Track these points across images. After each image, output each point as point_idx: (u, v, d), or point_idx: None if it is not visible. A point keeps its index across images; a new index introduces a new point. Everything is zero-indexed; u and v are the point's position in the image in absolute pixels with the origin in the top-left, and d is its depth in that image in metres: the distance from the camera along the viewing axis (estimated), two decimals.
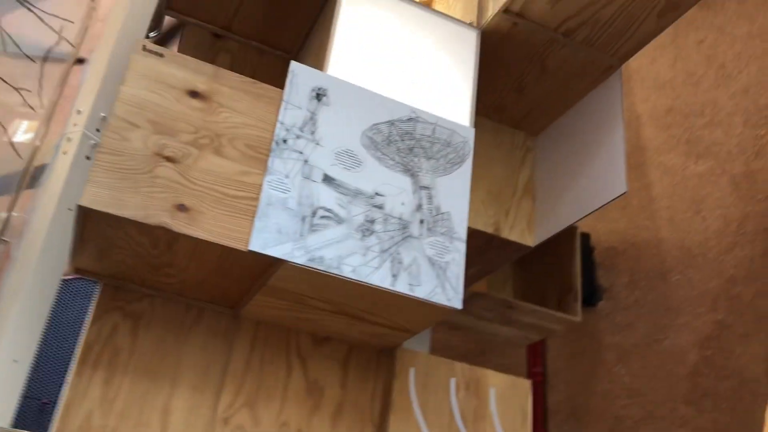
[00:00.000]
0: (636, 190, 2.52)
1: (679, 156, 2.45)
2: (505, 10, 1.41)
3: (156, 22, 1.50)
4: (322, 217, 1.13)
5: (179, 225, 1.03)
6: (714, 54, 2.49)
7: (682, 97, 2.54)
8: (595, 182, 1.47)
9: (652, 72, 2.66)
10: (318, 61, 1.32)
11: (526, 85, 1.60)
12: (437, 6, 1.69)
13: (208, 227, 1.05)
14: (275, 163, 1.13)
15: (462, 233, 1.21)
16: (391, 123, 1.27)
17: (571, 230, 1.86)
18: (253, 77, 1.18)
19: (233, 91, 1.16)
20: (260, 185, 1.10)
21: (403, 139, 1.27)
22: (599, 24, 1.41)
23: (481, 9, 1.50)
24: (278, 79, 1.25)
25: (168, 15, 1.55)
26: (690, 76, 2.54)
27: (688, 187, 2.41)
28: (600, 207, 1.43)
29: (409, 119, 1.28)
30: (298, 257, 1.08)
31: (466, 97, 1.38)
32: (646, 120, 2.61)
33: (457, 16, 1.51)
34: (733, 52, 2.44)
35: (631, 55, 1.49)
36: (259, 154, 1.13)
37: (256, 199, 1.09)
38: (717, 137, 2.39)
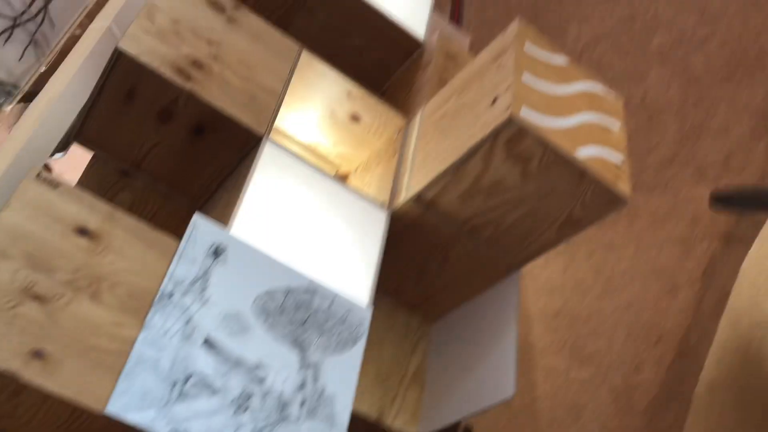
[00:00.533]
0: (519, 388, 2.53)
1: (564, 360, 2.50)
2: (417, 198, 1.45)
3: (64, 145, 1.44)
4: (195, 384, 1.03)
5: (30, 374, 0.91)
6: (602, 267, 2.65)
7: (570, 303, 2.64)
8: (484, 381, 1.45)
9: (545, 274, 2.78)
10: (223, 217, 1.28)
11: (428, 272, 1.61)
12: (352, 181, 1.72)
13: (64, 381, 0.93)
14: (155, 318, 1.05)
15: (344, 421, 1.14)
16: (287, 291, 1.22)
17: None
18: (152, 220, 1.13)
19: (126, 235, 1.09)
20: (134, 340, 1.01)
21: (298, 309, 1.22)
22: (503, 226, 1.46)
23: (394, 191, 1.53)
24: (178, 227, 1.20)
25: (77, 143, 1.50)
26: (579, 284, 2.67)
27: (569, 391, 2.43)
28: (486, 408, 1.40)
29: (307, 290, 1.24)
30: (160, 427, 0.96)
31: (368, 276, 1.36)
32: (535, 320, 2.69)
33: (371, 195, 1.54)
34: (620, 268, 2.61)
35: (531, 260, 1.54)
36: (140, 305, 1.04)
37: (126, 355, 0.99)
38: (600, 346, 2.47)
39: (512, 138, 1.30)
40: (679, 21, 2.95)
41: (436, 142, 1.48)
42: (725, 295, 2.42)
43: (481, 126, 1.33)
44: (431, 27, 1.91)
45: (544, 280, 2.76)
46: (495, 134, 1.30)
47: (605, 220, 2.72)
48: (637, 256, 2.59)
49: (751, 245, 2.45)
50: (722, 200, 2.26)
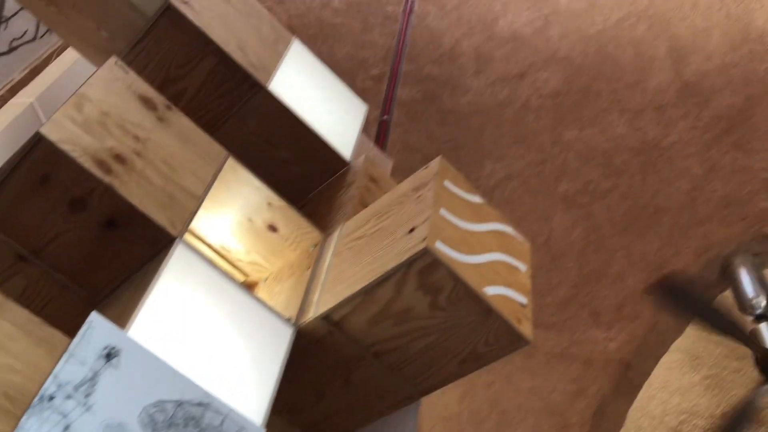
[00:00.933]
0: None
1: None
2: (326, 317, 1.44)
3: None
4: None
5: None
6: (499, 399, 2.67)
7: None
8: None
9: (442, 401, 2.77)
10: (122, 316, 1.23)
11: (328, 393, 1.57)
12: (261, 291, 1.70)
13: None
14: (30, 421, 0.96)
15: None
16: (179, 403, 1.16)
17: None
18: (43, 310, 1.06)
19: (13, 328, 1.02)
20: None
21: (187, 424, 1.16)
22: (408, 355, 1.46)
23: (303, 307, 1.51)
24: (72, 320, 1.13)
25: None
26: (474, 414, 2.67)
27: None
28: None
29: (200, 404, 1.18)
30: None
31: (265, 394, 1.32)
32: None
33: (278, 308, 1.51)
34: (515, 402, 2.63)
35: (431, 391, 1.54)
36: (15, 407, 0.96)
37: None
38: None
39: (425, 269, 1.33)
40: (585, 171, 3.18)
41: (351, 263, 1.49)
42: None
43: (396, 253, 1.36)
44: (358, 148, 1.98)
45: (441, 407, 2.75)
46: (409, 263, 1.33)
47: None
48: (532, 391, 2.63)
49: (639, 390, 2.55)
50: (669, 290, 2.35)
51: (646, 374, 2.55)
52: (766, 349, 2.26)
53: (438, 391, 2.81)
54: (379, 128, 3.50)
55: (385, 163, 2.21)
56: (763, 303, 2.37)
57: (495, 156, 3.40)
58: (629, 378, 2.55)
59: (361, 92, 3.73)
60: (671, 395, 5.28)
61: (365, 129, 2.79)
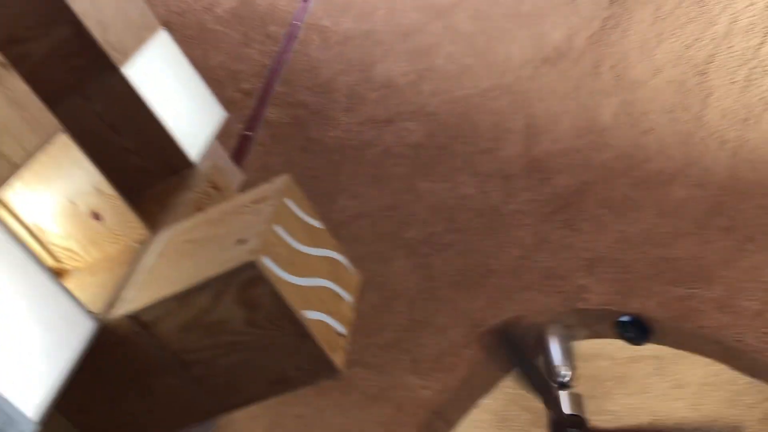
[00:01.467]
0: None
1: None
2: (134, 316, 1.36)
3: None
4: None
5: None
6: (310, 431, 2.64)
7: None
8: None
9: (249, 428, 2.70)
10: None
11: (124, 399, 1.48)
12: (70, 280, 1.58)
13: None
14: None
15: None
16: None
17: None
18: None
19: None
20: None
21: None
22: (215, 369, 1.41)
23: (112, 303, 1.42)
24: None
25: None
26: None
27: None
28: None
29: None
30: None
31: (49, 387, 1.21)
32: None
33: (85, 300, 1.41)
34: None
35: (236, 410, 1.49)
36: None
37: None
38: None
39: (248, 282, 1.30)
40: (431, 223, 3.29)
41: (173, 266, 1.43)
42: None
43: (221, 262, 1.32)
44: (209, 154, 1.92)
45: None
46: (232, 274, 1.29)
47: (324, 385, 2.77)
48: (342, 428, 2.63)
49: None
50: (505, 336, 2.42)
51: (453, 426, 2.63)
52: (563, 414, 2.42)
53: (246, 418, 2.75)
54: (240, 143, 3.43)
55: (235, 176, 2.16)
56: (567, 372, 2.53)
57: (350, 193, 3.44)
58: (435, 428, 2.62)
59: (228, 103, 3.65)
60: None
61: (226, 141, 2.73)
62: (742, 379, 5.03)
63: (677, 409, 5.23)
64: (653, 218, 2.67)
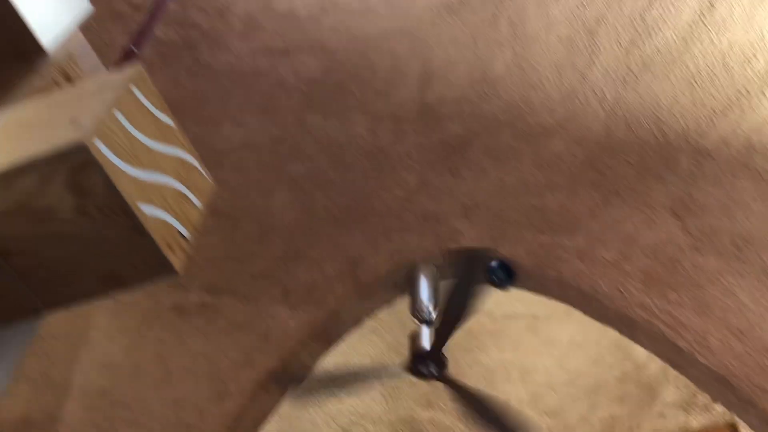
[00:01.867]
0: None
1: None
2: None
3: None
4: None
5: None
6: (167, 357, 2.56)
7: (120, 386, 2.48)
8: None
9: (105, 348, 2.59)
10: None
11: None
12: None
13: None
14: None
15: None
16: None
17: None
18: None
19: None
20: None
21: None
22: (40, 260, 1.31)
23: None
24: None
25: None
26: (136, 367, 2.53)
27: None
28: None
29: None
30: None
31: None
32: (75, 394, 2.45)
33: None
34: (182, 362, 2.55)
35: (62, 308, 1.40)
36: None
37: None
38: None
39: (79, 166, 1.21)
40: (317, 159, 3.24)
41: (1, 148, 1.31)
42: (265, 415, 2.51)
43: (50, 142, 1.22)
44: (68, 44, 1.78)
45: (103, 353, 2.57)
46: (61, 156, 1.20)
47: (188, 311, 2.69)
48: (203, 355, 2.57)
49: (309, 373, 2.62)
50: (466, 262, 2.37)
51: (317, 358, 2.63)
52: (422, 348, 2.46)
53: (104, 338, 2.64)
54: (123, 56, 3.24)
55: (98, 71, 2.01)
56: (432, 309, 2.58)
57: (236, 121, 3.33)
58: (300, 358, 2.61)
59: (116, 15, 3.44)
60: (349, 396, 5.57)
61: (107, 54, 2.55)
62: (606, 341, 5.34)
63: (546, 366, 5.49)
64: (531, 169, 2.73)
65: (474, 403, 2.59)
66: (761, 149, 2.25)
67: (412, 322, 2.61)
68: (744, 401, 1.87)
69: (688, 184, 2.32)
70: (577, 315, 5.37)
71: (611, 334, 5.30)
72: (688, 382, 5.14)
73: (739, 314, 1.98)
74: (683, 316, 2.05)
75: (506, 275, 2.53)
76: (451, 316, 2.31)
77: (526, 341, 5.44)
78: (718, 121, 2.37)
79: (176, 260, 1.35)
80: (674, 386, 4.99)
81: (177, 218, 1.38)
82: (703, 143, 2.37)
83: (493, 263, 2.54)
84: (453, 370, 5.48)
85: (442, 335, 2.38)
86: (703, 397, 4.85)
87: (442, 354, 2.45)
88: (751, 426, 1.91)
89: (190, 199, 1.45)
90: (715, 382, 1.93)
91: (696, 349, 1.97)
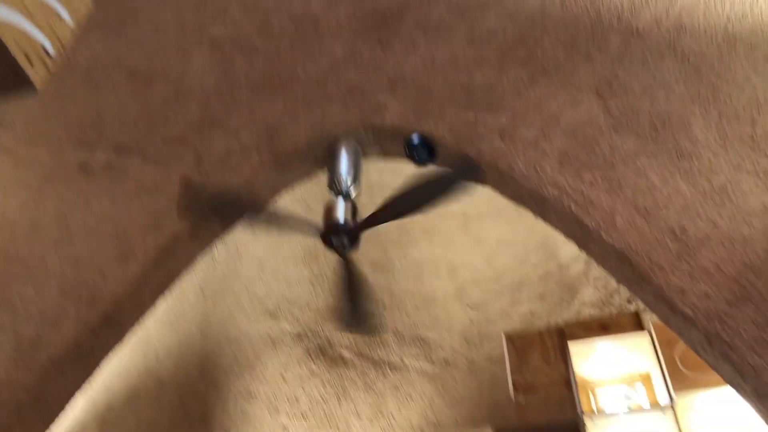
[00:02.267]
0: None
1: None
2: None
3: None
4: None
5: None
6: (68, 215, 2.44)
7: (16, 242, 2.36)
8: None
9: (1, 204, 2.45)
10: None
11: None
12: None
13: None
14: None
15: None
16: None
17: None
18: None
19: None
20: None
21: None
22: None
23: None
24: None
25: None
26: (35, 224, 2.41)
27: None
28: None
29: None
30: None
31: None
32: None
33: None
34: (85, 222, 2.43)
35: None
36: None
37: None
38: (26, 294, 2.25)
39: None
40: (242, 23, 3.05)
41: None
42: (170, 279, 2.44)
43: None
44: None
45: None
46: None
47: (93, 172, 2.54)
48: (108, 216, 2.46)
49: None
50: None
51: (230, 225, 2.55)
52: (335, 219, 2.40)
53: None
54: None
55: None
56: (350, 182, 2.50)
57: None
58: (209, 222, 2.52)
59: None
60: (279, 282, 5.57)
61: None
62: (533, 241, 5.42)
63: (473, 263, 5.56)
64: (462, 44, 2.61)
65: (352, 292, 2.58)
66: (691, 29, 2.18)
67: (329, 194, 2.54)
68: (640, 278, 1.88)
69: (615, 64, 2.25)
70: (507, 215, 5.42)
71: (539, 235, 5.38)
72: (607, 282, 5.30)
73: (648, 194, 1.96)
74: (594, 195, 2.02)
75: (427, 152, 2.46)
76: (403, 205, 2.21)
77: (456, 238, 5.48)
78: (653, 0, 2.29)
79: (36, 75, 1.22)
80: (593, 287, 5.14)
81: (44, 32, 1.24)
82: (635, 22, 2.29)
83: (414, 139, 2.46)
84: (381, 260, 5.51)
85: (377, 217, 2.30)
86: (618, 297, 5.01)
87: (359, 231, 2.39)
88: (645, 302, 1.93)
89: (61, 16, 1.31)
90: (615, 259, 1.93)
91: (602, 227, 1.96)
